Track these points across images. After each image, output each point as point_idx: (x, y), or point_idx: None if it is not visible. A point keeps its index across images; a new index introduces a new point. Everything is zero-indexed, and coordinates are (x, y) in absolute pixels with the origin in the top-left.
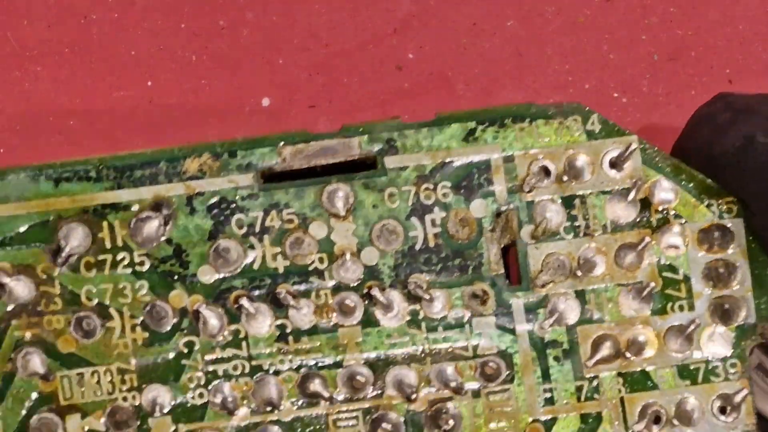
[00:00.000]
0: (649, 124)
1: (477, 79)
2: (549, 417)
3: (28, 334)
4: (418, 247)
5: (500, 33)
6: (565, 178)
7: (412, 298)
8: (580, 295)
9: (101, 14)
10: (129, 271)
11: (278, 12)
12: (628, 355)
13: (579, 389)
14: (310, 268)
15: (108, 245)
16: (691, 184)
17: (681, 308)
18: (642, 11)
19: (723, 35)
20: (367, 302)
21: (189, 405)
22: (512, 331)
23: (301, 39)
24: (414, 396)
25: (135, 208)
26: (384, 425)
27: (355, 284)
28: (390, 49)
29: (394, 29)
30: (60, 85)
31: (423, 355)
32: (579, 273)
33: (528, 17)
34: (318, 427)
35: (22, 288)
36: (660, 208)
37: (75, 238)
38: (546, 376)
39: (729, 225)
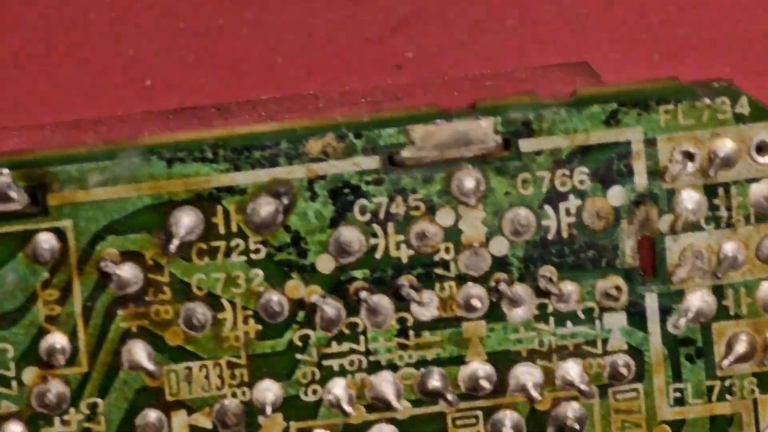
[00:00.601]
0: None
1: (477, 78)
2: (678, 418)
3: (134, 326)
4: (550, 237)
5: (500, 33)
6: (709, 165)
7: (541, 291)
8: (717, 290)
9: (101, 14)
10: (243, 259)
11: (278, 12)
12: (766, 361)
13: (710, 390)
14: (435, 259)
15: (222, 231)
16: None
17: None
18: (642, 11)
19: (723, 35)
20: (493, 295)
21: (301, 402)
22: (644, 328)
23: (300, 39)
24: (538, 396)
25: (252, 192)
26: (505, 426)
27: (482, 276)
28: (389, 49)
29: (393, 28)
30: (59, 85)
31: (549, 351)
32: (718, 268)
33: (528, 17)
34: (436, 426)
35: (129, 276)
36: None
37: (187, 224)
38: (677, 375)
39: None
